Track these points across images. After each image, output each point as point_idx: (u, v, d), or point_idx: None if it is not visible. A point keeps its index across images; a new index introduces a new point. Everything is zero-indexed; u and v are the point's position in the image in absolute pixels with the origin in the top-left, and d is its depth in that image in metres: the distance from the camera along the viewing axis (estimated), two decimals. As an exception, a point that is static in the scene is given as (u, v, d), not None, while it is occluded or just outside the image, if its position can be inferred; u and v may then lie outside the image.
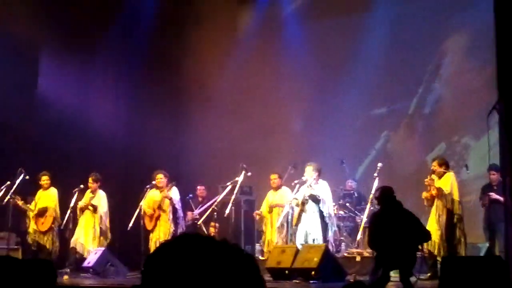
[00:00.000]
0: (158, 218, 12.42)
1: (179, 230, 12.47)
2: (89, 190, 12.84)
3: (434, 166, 10.80)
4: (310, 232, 11.06)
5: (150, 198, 12.51)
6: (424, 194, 10.68)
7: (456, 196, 10.42)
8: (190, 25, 16.19)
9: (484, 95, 13.38)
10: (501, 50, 9.20)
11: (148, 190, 12.50)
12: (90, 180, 12.83)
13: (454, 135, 14.05)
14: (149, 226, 12.42)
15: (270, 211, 12.25)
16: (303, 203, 11.19)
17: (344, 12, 15.20)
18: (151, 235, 12.40)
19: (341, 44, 15.09)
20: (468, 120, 13.81)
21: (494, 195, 11.32)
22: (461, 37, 14.14)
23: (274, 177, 12.38)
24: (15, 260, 2.73)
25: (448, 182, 10.51)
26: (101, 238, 12.67)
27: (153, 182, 12.58)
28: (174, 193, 12.53)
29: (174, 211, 12.47)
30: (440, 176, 10.64)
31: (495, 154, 12.31)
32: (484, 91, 13.48)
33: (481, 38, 13.59)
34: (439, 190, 10.45)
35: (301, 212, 11.24)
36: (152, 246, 12.16)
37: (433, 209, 10.52)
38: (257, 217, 12.60)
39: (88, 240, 12.58)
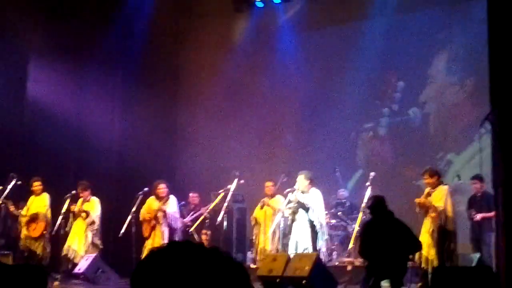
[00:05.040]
0: (153, 227, 12.39)
1: None
2: (81, 199, 12.79)
3: (426, 178, 10.73)
4: (300, 241, 11.02)
5: (149, 206, 12.47)
6: (417, 200, 10.56)
7: (449, 212, 10.27)
8: (186, 33, 16.22)
9: (467, 109, 13.58)
10: (494, 60, 9.24)
11: (140, 196, 12.47)
12: (78, 189, 12.76)
13: (439, 151, 14.08)
14: (145, 232, 12.39)
15: (262, 207, 12.13)
16: (294, 212, 11.17)
17: (338, 23, 15.24)
18: (146, 242, 12.36)
19: (334, 54, 15.14)
20: (452, 134, 13.91)
21: (478, 217, 11.28)
22: (444, 52, 14.24)
23: (269, 184, 12.36)
24: (4, 266, 2.73)
25: (441, 198, 10.39)
26: (93, 244, 12.61)
27: (145, 189, 12.55)
28: (171, 205, 12.49)
29: (169, 223, 12.43)
30: (434, 186, 10.56)
31: (475, 164, 12.44)
32: (467, 104, 13.66)
33: (462, 53, 13.75)
34: (433, 207, 10.36)
35: (292, 221, 11.22)
36: (145, 254, 12.10)
37: (426, 222, 10.44)
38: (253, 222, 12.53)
39: (81, 247, 12.52)
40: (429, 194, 10.52)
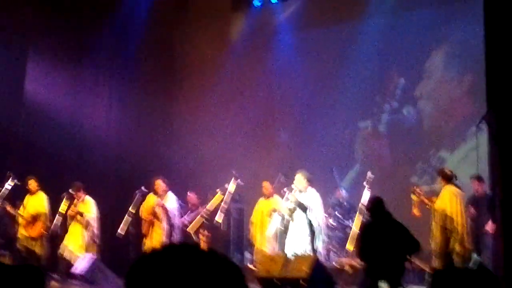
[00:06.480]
0: (152, 224, 12.36)
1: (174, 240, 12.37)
2: (76, 200, 12.72)
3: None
4: (297, 241, 11.00)
5: (148, 203, 12.47)
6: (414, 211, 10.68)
7: (448, 212, 10.37)
8: (183, 31, 16.20)
9: (464, 106, 13.59)
10: (490, 61, 9.23)
11: (138, 196, 12.46)
12: (72, 190, 12.65)
13: (432, 148, 14.09)
14: (145, 230, 12.38)
15: (270, 215, 11.99)
16: (291, 212, 11.14)
17: (335, 22, 15.21)
18: (144, 240, 12.34)
19: (331, 54, 15.12)
20: (446, 132, 13.92)
21: (489, 229, 10.98)
22: (441, 50, 14.24)
23: (266, 185, 12.35)
24: (2, 265, 2.71)
25: (441, 197, 10.54)
26: (90, 245, 12.58)
27: (143, 189, 12.54)
28: (170, 201, 12.47)
29: (168, 219, 12.39)
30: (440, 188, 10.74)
31: (469, 162, 12.46)
32: (463, 102, 13.67)
33: (460, 49, 13.74)
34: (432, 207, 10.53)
35: (289, 221, 11.19)
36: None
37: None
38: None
39: (77, 247, 12.48)
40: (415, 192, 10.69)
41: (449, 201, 10.42)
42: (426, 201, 10.63)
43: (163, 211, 12.33)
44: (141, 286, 1.70)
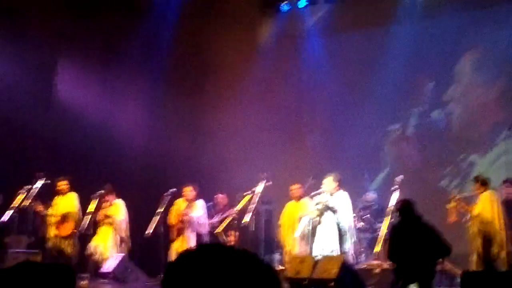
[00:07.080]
0: (180, 230, 12.42)
1: None
2: (106, 203, 12.81)
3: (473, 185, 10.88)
4: (326, 243, 10.99)
5: (176, 210, 12.52)
6: (449, 205, 10.60)
7: (490, 218, 10.31)
8: (211, 35, 16.24)
9: (494, 110, 13.47)
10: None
11: (168, 197, 12.51)
12: (103, 193, 12.73)
13: (462, 152, 13.97)
14: (173, 235, 12.45)
15: (299, 218, 11.96)
16: (320, 214, 11.13)
17: (365, 26, 15.17)
18: (173, 244, 12.38)
19: (360, 58, 15.10)
20: (477, 136, 13.79)
21: None
22: (472, 54, 14.13)
23: (295, 187, 12.31)
24: (34, 264, 2.74)
25: (480, 203, 10.47)
26: (119, 245, 12.65)
27: (172, 190, 12.58)
28: (198, 209, 12.50)
29: (195, 228, 12.43)
30: (479, 193, 10.63)
31: (499, 166, 12.35)
32: (493, 106, 13.55)
33: (490, 53, 13.62)
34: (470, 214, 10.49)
35: (318, 223, 11.18)
36: (173, 255, 12.14)
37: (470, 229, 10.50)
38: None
39: (106, 247, 12.55)
40: (456, 200, 10.57)
41: (490, 206, 10.36)
42: (466, 208, 10.56)
43: (190, 221, 12.37)
44: (177, 285, 1.72)
